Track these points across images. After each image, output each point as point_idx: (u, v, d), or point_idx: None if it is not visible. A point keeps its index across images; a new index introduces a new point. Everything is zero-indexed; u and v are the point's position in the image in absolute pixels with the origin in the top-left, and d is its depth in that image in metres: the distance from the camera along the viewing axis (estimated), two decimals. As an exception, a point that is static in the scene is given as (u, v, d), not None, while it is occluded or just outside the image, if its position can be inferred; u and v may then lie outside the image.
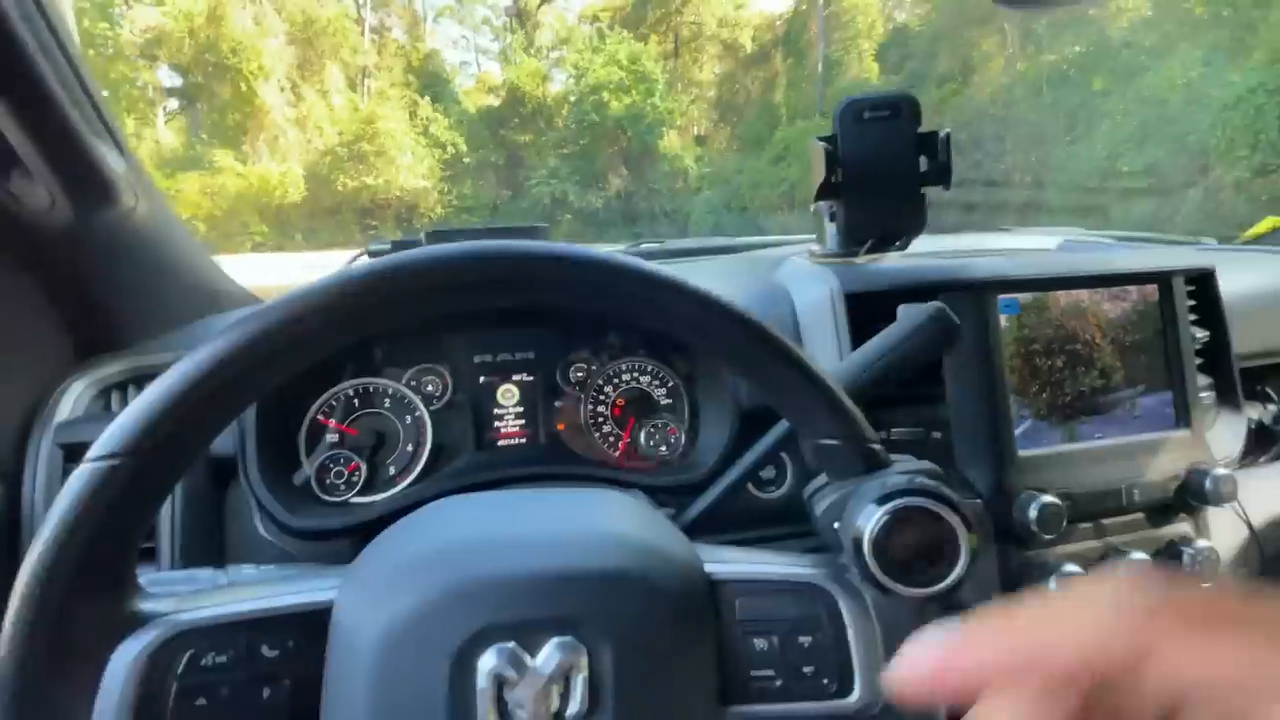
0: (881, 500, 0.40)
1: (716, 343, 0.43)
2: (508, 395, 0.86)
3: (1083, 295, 0.77)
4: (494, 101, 20.30)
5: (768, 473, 0.81)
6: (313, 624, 0.39)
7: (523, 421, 0.86)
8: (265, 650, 0.38)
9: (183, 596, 0.39)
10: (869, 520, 0.39)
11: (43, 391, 0.71)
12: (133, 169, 0.70)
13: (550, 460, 0.85)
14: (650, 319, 0.43)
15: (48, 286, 0.70)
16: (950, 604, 0.40)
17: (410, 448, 0.81)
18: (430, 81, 19.47)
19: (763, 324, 0.42)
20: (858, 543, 0.40)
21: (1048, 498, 0.69)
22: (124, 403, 0.74)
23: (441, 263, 0.39)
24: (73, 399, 0.71)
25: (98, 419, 0.71)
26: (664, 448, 0.87)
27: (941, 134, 0.72)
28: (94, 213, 0.65)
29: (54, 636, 0.34)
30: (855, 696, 0.42)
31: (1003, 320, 0.74)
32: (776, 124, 18.48)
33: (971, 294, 0.72)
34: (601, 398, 0.88)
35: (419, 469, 0.80)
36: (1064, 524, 0.69)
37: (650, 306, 0.42)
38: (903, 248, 0.78)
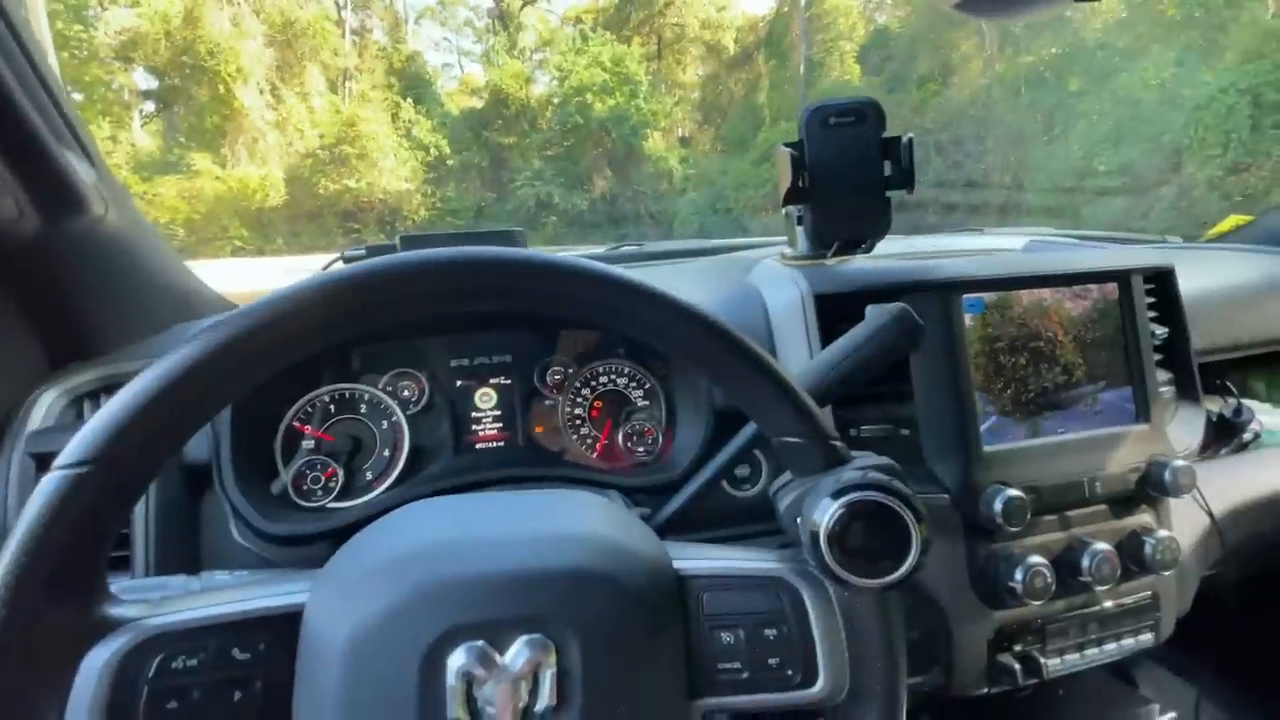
0: (836, 494, 0.41)
1: (682, 345, 0.44)
2: (485, 399, 0.87)
3: (1045, 294, 0.79)
4: (477, 103, 20.23)
5: (742, 471, 0.82)
6: (284, 627, 0.40)
7: (501, 424, 0.87)
8: (236, 653, 0.38)
9: (154, 602, 0.40)
10: (824, 514, 0.41)
11: (14, 401, 0.70)
12: (102, 176, 0.70)
13: (528, 463, 0.85)
14: (616, 323, 0.44)
15: (18, 296, 0.70)
16: (909, 591, 0.42)
17: (387, 452, 0.81)
18: (412, 83, 19.36)
19: (726, 326, 0.44)
20: (815, 536, 0.41)
21: (1013, 491, 0.71)
22: (96, 412, 0.74)
23: (409, 270, 0.39)
24: (44, 408, 0.70)
25: (69, 428, 0.71)
26: (641, 448, 0.88)
27: (904, 139, 0.74)
28: (63, 222, 0.65)
29: (24, 643, 0.34)
30: (819, 686, 0.43)
31: (968, 319, 0.76)
32: (760, 125, 18.59)
33: (937, 294, 0.74)
34: (579, 399, 0.89)
35: (396, 473, 0.80)
36: (1029, 516, 0.71)
37: (615, 311, 0.43)
38: (868, 250, 0.80)
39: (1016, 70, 14.82)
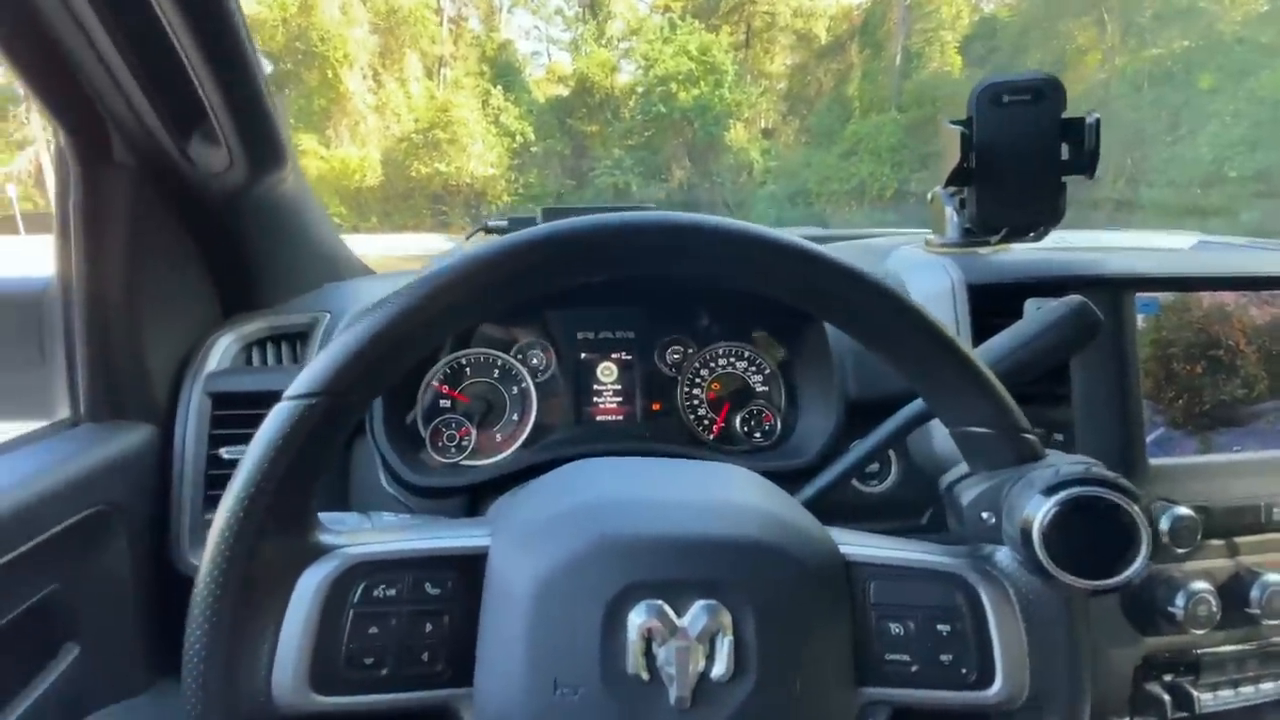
0: (1051, 489, 0.38)
1: (863, 320, 0.43)
2: (607, 372, 0.88)
3: (1227, 298, 0.72)
4: (563, 91, 20.52)
5: (871, 466, 0.80)
6: (471, 567, 0.41)
7: (620, 399, 0.88)
8: (429, 587, 0.40)
9: (353, 532, 0.42)
10: (1039, 509, 0.38)
11: (193, 344, 0.77)
12: (290, 143, 0.75)
13: (645, 439, 0.86)
14: (797, 294, 0.43)
15: (205, 247, 0.76)
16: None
17: (515, 417, 0.84)
18: (503, 71, 19.85)
19: (916, 304, 0.42)
20: (1026, 532, 0.39)
21: (1183, 510, 0.65)
22: (264, 357, 0.80)
23: (618, 229, 0.40)
24: (219, 352, 0.76)
25: (243, 371, 0.77)
26: (759, 433, 0.87)
27: (1089, 119, 0.68)
28: (265, 176, 0.69)
29: (249, 562, 0.37)
30: (996, 688, 0.41)
31: (1139, 320, 0.70)
32: (848, 118, 17.95)
33: (1108, 291, 0.69)
34: (698, 380, 0.89)
35: (523, 438, 0.83)
36: (1198, 538, 0.66)
37: (798, 281, 0.42)
38: (1038, 239, 0.75)
39: (1140, 65, 13.64)
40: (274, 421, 0.37)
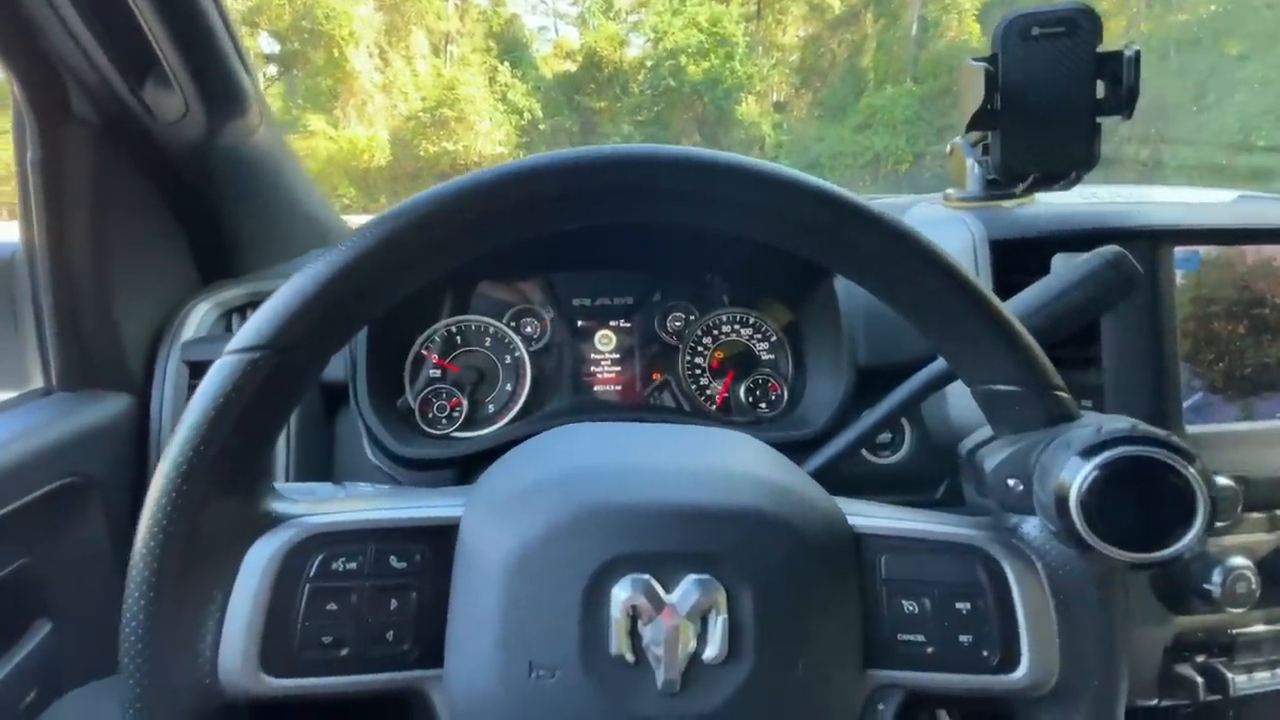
0: (1094, 449, 0.34)
1: (874, 264, 0.38)
2: (605, 341, 0.84)
3: (1275, 253, 0.66)
4: (570, 67, 20.18)
5: (883, 436, 0.75)
6: (440, 540, 0.38)
7: (619, 368, 0.84)
8: (393, 561, 0.37)
9: (314, 500, 0.39)
10: (1078, 472, 0.34)
11: (170, 311, 0.74)
12: (256, 88, 0.71)
13: (645, 408, 0.82)
14: (800, 234, 0.38)
15: (177, 210, 0.73)
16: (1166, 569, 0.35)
17: (509, 387, 0.80)
18: (510, 47, 19.54)
19: (932, 244, 0.37)
20: (1061, 498, 0.34)
21: (1221, 479, 0.61)
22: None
23: (609, 163, 0.35)
24: (197, 319, 0.73)
25: (221, 339, 0.73)
26: (764, 403, 0.83)
27: (1128, 52, 0.62)
28: (225, 124, 0.65)
29: (192, 528, 0.33)
30: (1021, 673, 0.37)
31: (1178, 276, 0.64)
32: (862, 90, 17.51)
33: (1144, 244, 0.63)
34: (700, 349, 0.85)
35: (517, 408, 0.79)
36: (1238, 510, 0.61)
37: (803, 219, 0.37)
38: (1068, 187, 0.69)
39: (1165, 30, 13.15)
40: (214, 377, 0.34)
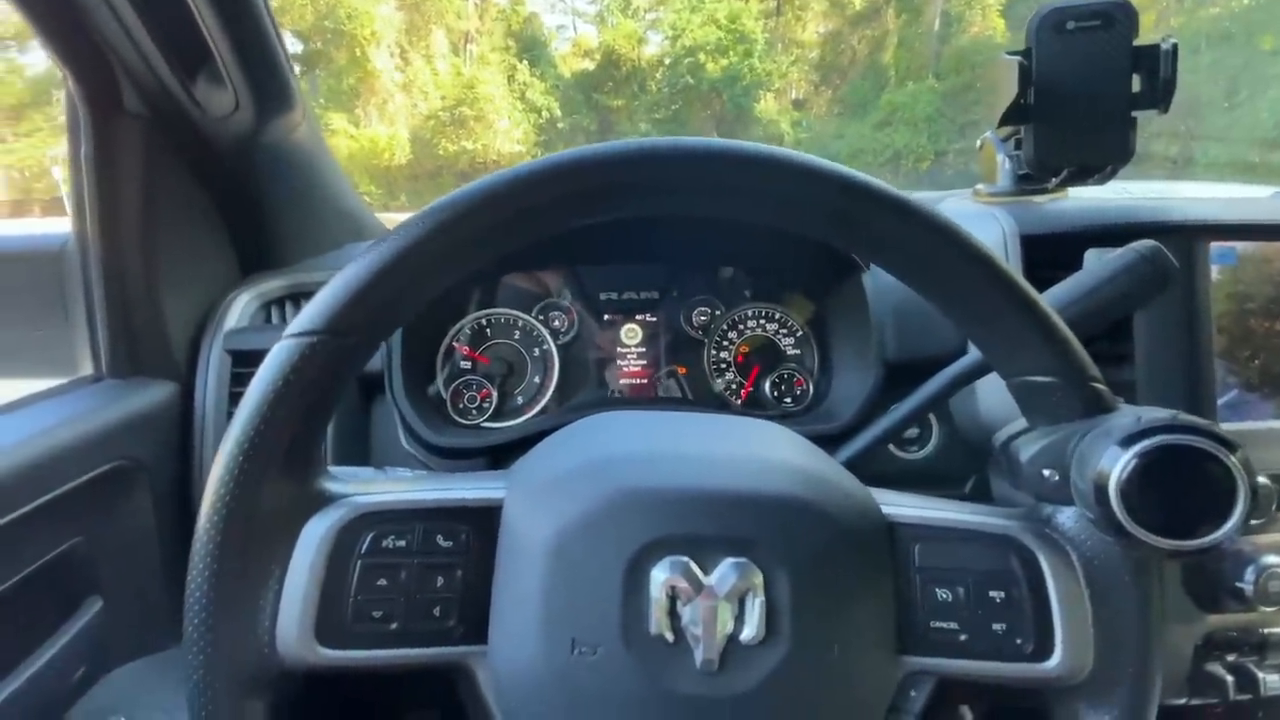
0: (1134, 438, 0.34)
1: (908, 254, 0.38)
2: (631, 334, 0.85)
3: (1314, 249, 0.65)
4: (588, 65, 20.23)
5: (910, 431, 0.75)
6: (485, 520, 0.39)
7: (644, 362, 0.85)
8: (440, 540, 0.38)
9: (363, 481, 0.40)
10: (1117, 460, 0.34)
11: (212, 302, 0.76)
12: (298, 85, 0.73)
13: (670, 403, 0.83)
14: (834, 224, 0.39)
15: (219, 200, 0.75)
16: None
17: (538, 379, 0.81)
18: (528, 46, 19.63)
19: (967, 234, 0.37)
20: (1100, 487, 0.35)
21: (1259, 478, 0.60)
22: (283, 316, 0.78)
23: (645, 157, 0.36)
24: (238, 309, 0.75)
25: (262, 329, 0.76)
26: (789, 398, 0.83)
27: (1165, 45, 0.61)
28: (271, 120, 0.67)
29: (251, 507, 0.35)
30: (1055, 661, 0.38)
31: (1214, 272, 0.64)
32: (883, 87, 17.33)
33: (1180, 240, 0.62)
34: (725, 343, 0.85)
35: (545, 400, 0.81)
36: (1273, 509, 0.60)
37: (834, 210, 0.38)
38: (1102, 181, 0.68)
39: (1197, 25, 12.84)
40: (273, 360, 0.35)
